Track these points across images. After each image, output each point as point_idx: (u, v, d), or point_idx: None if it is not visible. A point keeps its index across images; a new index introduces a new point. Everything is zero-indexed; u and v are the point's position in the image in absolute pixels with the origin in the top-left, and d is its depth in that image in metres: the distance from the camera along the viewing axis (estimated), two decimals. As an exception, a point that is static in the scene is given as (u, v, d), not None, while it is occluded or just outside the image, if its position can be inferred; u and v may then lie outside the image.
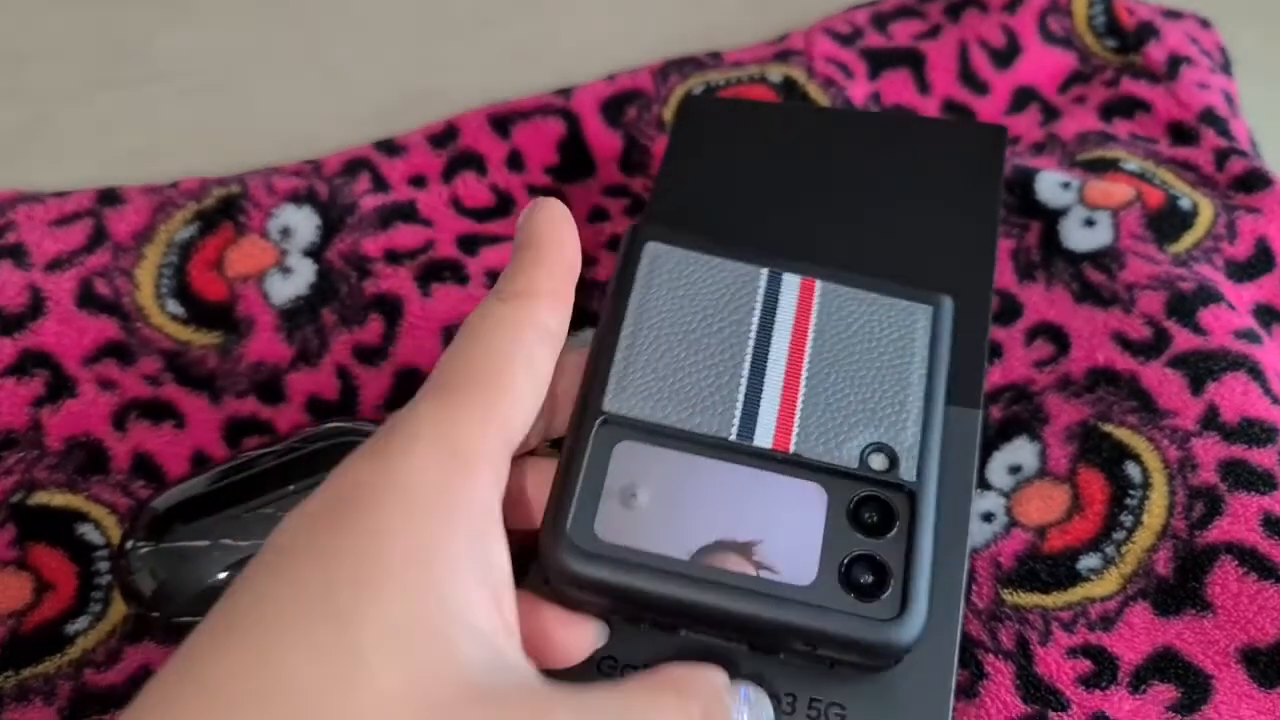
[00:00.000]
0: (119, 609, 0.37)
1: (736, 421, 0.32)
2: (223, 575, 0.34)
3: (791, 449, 0.32)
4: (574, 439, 0.32)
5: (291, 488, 0.35)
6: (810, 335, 0.34)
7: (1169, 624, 0.36)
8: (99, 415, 0.41)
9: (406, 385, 0.42)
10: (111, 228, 0.45)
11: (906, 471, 0.32)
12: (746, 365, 0.33)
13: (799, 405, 0.33)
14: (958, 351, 0.36)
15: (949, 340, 0.35)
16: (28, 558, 0.38)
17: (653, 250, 0.35)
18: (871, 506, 0.31)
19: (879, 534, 0.31)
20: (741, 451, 0.32)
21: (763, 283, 0.35)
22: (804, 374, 0.33)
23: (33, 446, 0.40)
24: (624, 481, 0.31)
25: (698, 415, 0.32)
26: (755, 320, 0.34)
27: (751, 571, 0.30)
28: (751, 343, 0.34)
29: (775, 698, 0.32)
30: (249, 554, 0.33)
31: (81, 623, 0.37)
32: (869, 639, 0.29)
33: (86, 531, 0.39)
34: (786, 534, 0.31)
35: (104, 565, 0.38)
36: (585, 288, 0.44)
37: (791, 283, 0.35)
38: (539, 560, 0.30)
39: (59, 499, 0.39)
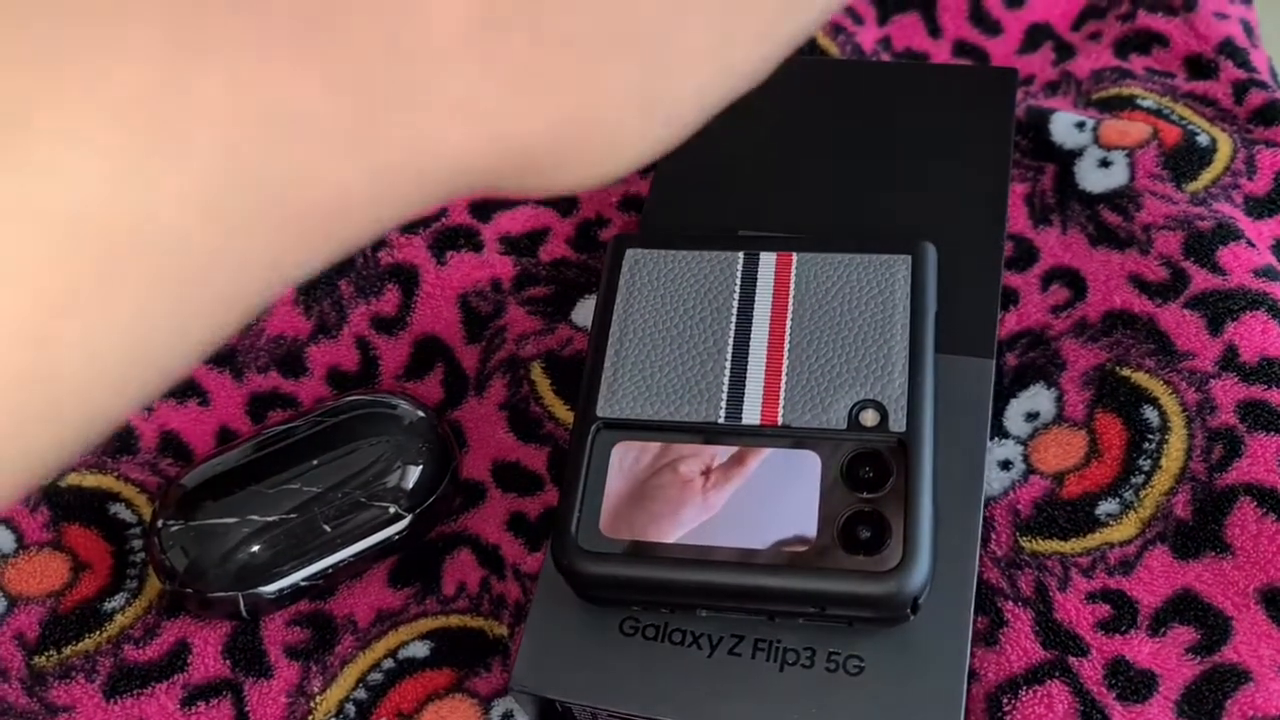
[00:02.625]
0: (154, 585, 0.38)
1: (724, 404, 0.33)
2: (255, 549, 0.35)
3: (780, 421, 0.33)
4: (573, 447, 0.33)
5: (315, 462, 0.36)
6: (790, 308, 0.35)
7: (1188, 567, 0.36)
8: (125, 396, 0.41)
9: (425, 354, 0.43)
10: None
11: (896, 423, 0.32)
12: (729, 348, 0.34)
13: (783, 378, 0.34)
14: (968, 300, 0.36)
15: (933, 286, 0.35)
16: (63, 538, 0.39)
17: (633, 257, 0.36)
18: (865, 462, 0.32)
19: (876, 488, 0.31)
20: (732, 432, 0.33)
21: (740, 266, 0.36)
22: (786, 346, 0.34)
23: (62, 429, 0.41)
24: (624, 479, 0.32)
25: (687, 405, 0.33)
26: (735, 304, 0.35)
27: (755, 546, 0.31)
28: (733, 326, 0.35)
29: (794, 652, 0.32)
30: (277, 528, 0.35)
31: (119, 600, 0.38)
32: (874, 593, 0.30)
33: (119, 510, 0.40)
34: (784, 502, 0.32)
35: (137, 543, 0.39)
36: (598, 247, 0.45)
37: (768, 260, 0.36)
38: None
39: (90, 480, 0.40)
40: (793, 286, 0.35)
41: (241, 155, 0.15)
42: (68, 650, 0.37)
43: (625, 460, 0.33)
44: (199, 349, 0.16)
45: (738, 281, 0.35)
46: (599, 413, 0.34)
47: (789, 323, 0.35)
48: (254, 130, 0.15)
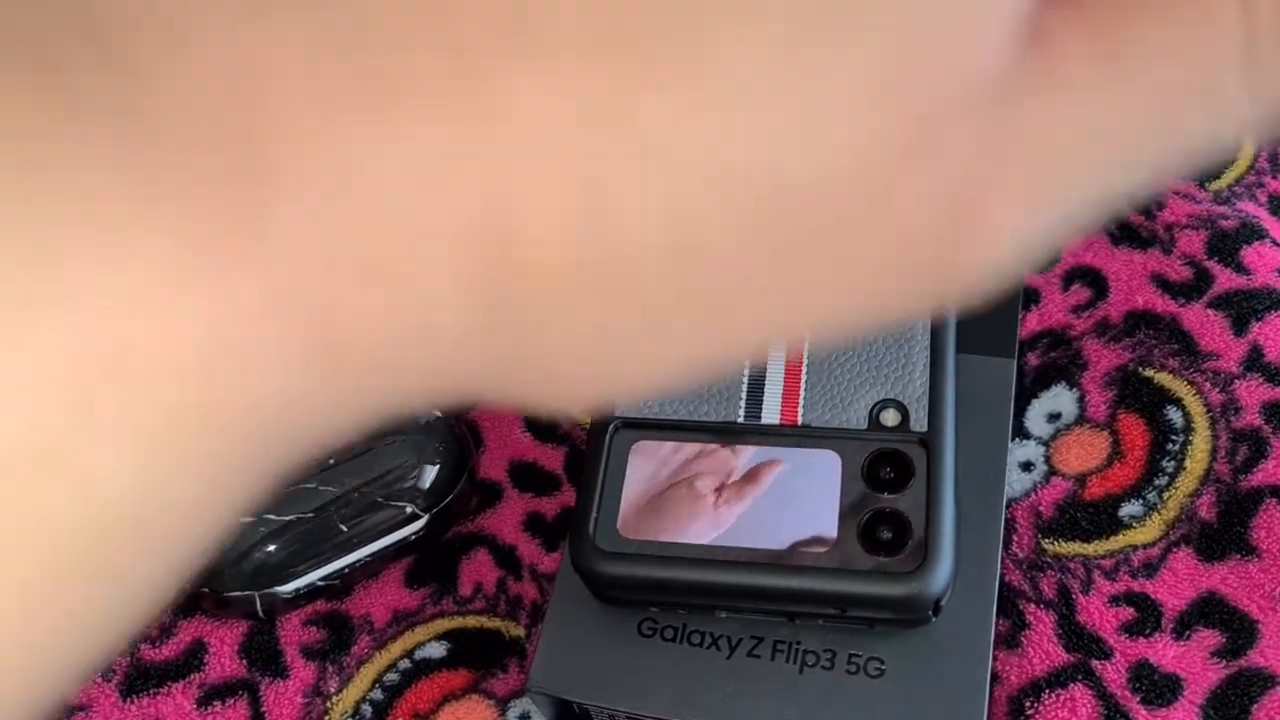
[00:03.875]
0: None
1: (743, 403, 0.33)
2: (271, 549, 0.35)
3: (800, 420, 0.32)
4: (591, 446, 0.33)
5: (332, 461, 0.36)
6: None
7: (1213, 569, 0.36)
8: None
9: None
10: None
11: (917, 423, 0.32)
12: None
13: (803, 377, 0.33)
14: (989, 298, 0.36)
15: None
16: (80, 537, 0.39)
17: None
18: (886, 462, 0.32)
19: (896, 489, 0.31)
20: (752, 432, 0.32)
21: None
22: (806, 345, 0.34)
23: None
24: (642, 478, 0.32)
25: (705, 404, 0.33)
26: None
27: (774, 546, 0.31)
28: None
29: (814, 654, 0.32)
30: (294, 528, 0.35)
31: None
32: (895, 594, 0.30)
33: (135, 510, 0.39)
34: (804, 503, 0.31)
35: (154, 542, 0.39)
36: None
37: None
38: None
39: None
40: None
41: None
42: None
43: (644, 460, 0.33)
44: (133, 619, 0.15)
45: None
46: (617, 412, 0.33)
47: None
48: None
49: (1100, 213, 0.15)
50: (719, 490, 0.32)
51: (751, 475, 0.32)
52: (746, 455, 0.32)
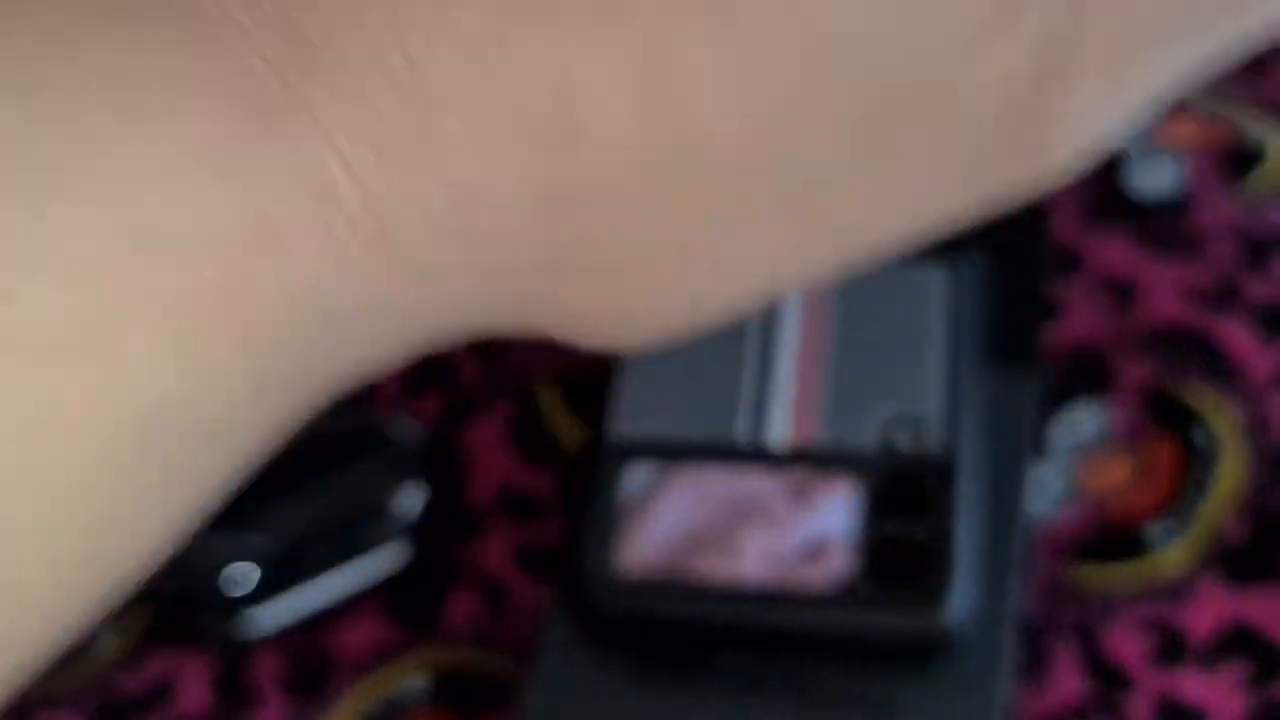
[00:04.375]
0: (141, 611, 0.37)
1: (747, 423, 0.32)
2: (246, 576, 0.35)
3: (808, 442, 0.32)
4: (585, 471, 0.32)
5: (309, 486, 0.36)
6: (819, 321, 0.33)
7: (1242, 595, 0.35)
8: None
9: (424, 369, 0.41)
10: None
11: (934, 444, 0.31)
12: (753, 363, 0.33)
13: (812, 395, 0.32)
14: (1009, 311, 0.35)
15: (975, 298, 0.34)
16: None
17: None
18: (900, 486, 0.31)
19: (911, 514, 0.30)
20: (757, 455, 0.31)
21: None
22: (815, 362, 0.33)
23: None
24: (640, 504, 0.31)
25: (706, 424, 0.32)
26: (757, 320, 0.33)
27: (782, 576, 0.30)
28: (758, 340, 0.33)
29: (823, 689, 0.31)
30: (267, 546, 0.34)
31: (106, 628, 0.37)
32: (909, 625, 0.29)
33: (109, 528, 0.39)
34: (812, 531, 0.30)
35: (128, 562, 0.38)
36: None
37: None
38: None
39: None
40: (826, 300, 0.34)
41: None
42: (57, 680, 0.36)
43: (642, 486, 0.31)
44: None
45: None
46: (612, 433, 0.32)
47: (820, 338, 0.33)
48: None
49: (1180, 82, 0.15)
50: (723, 525, 0.31)
51: (750, 521, 0.31)
52: (751, 481, 0.31)
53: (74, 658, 0.36)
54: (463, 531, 0.39)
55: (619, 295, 0.15)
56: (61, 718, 0.36)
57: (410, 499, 0.36)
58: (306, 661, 0.37)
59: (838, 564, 0.30)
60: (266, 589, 0.35)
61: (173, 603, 0.35)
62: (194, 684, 0.36)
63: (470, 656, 0.37)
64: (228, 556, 0.35)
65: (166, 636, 0.37)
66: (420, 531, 0.37)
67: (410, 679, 0.36)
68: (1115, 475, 0.37)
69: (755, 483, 0.31)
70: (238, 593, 0.35)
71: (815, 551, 0.30)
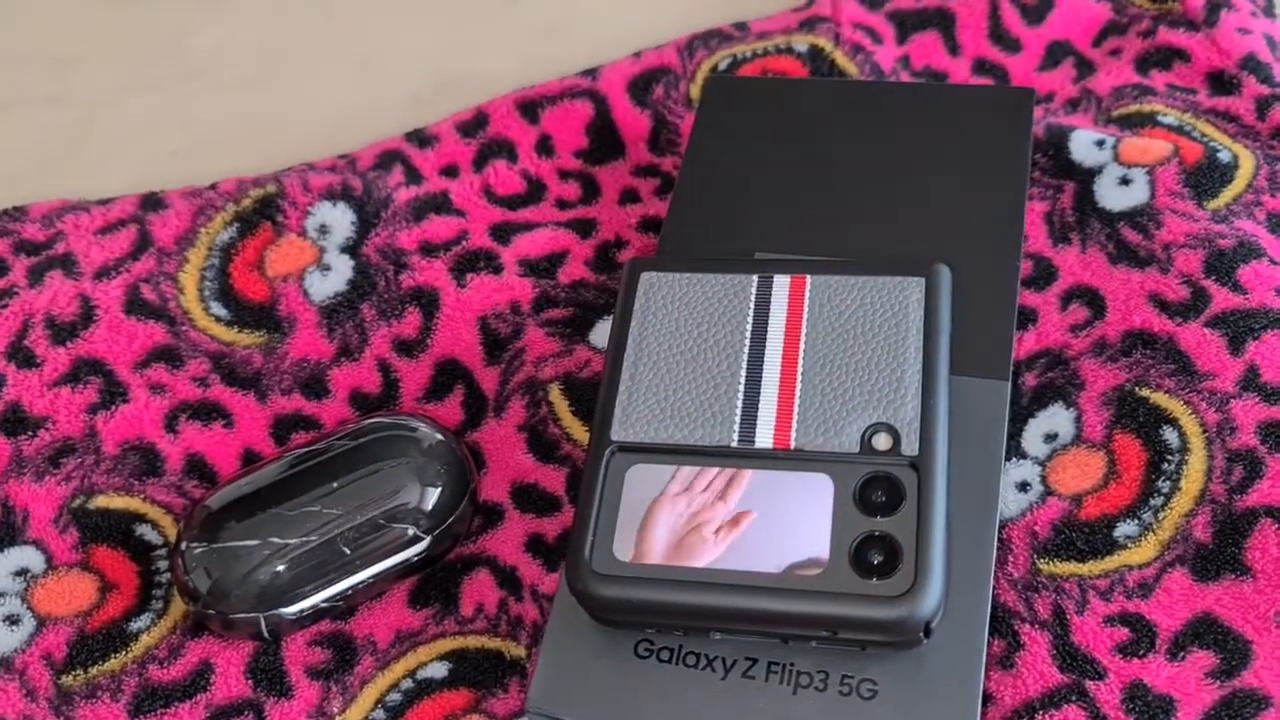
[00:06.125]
0: (179, 605, 0.39)
1: (737, 428, 0.34)
2: (277, 570, 0.36)
3: (793, 444, 0.33)
4: (588, 471, 0.33)
5: (336, 484, 0.37)
6: (803, 331, 0.35)
7: (1208, 589, 0.36)
8: (151, 419, 0.42)
9: (446, 376, 0.43)
10: (155, 233, 0.46)
11: (909, 446, 0.32)
12: (743, 372, 0.35)
13: (796, 401, 0.34)
14: (983, 321, 0.36)
15: (947, 308, 0.35)
16: (91, 559, 0.40)
17: (648, 280, 0.37)
18: (878, 486, 0.32)
19: (888, 512, 0.32)
20: (746, 455, 0.33)
21: (754, 289, 0.36)
22: (799, 370, 0.34)
23: (90, 452, 0.41)
24: (638, 502, 0.33)
25: (700, 428, 0.34)
26: (749, 327, 0.35)
27: (767, 569, 0.31)
28: (747, 349, 0.35)
29: (807, 675, 0.32)
30: (299, 550, 0.36)
31: (144, 620, 0.39)
32: (885, 617, 0.30)
33: (145, 532, 0.40)
34: (796, 526, 0.32)
35: (163, 564, 0.40)
36: (616, 268, 0.45)
37: (782, 283, 0.36)
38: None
39: (118, 501, 0.41)
40: (806, 309, 0.35)
41: None
42: (94, 670, 0.38)
43: (640, 484, 0.33)
44: None
45: (752, 304, 0.36)
46: (613, 436, 0.34)
47: (802, 346, 0.35)
48: None
49: None
50: (717, 532, 0.32)
51: (737, 520, 0.32)
52: (742, 481, 0.33)
53: (109, 650, 0.38)
54: (479, 525, 0.40)
55: None
56: (100, 708, 0.37)
57: (429, 497, 0.37)
58: (333, 650, 0.38)
59: (821, 559, 0.31)
60: (297, 585, 0.36)
61: (209, 603, 0.36)
62: (230, 673, 0.37)
63: (485, 641, 0.38)
64: (260, 560, 0.36)
65: (203, 630, 0.38)
66: (439, 527, 0.38)
67: (430, 664, 0.38)
68: (1086, 475, 0.38)
69: (744, 482, 0.33)
70: (270, 592, 0.36)
71: (800, 547, 0.31)
